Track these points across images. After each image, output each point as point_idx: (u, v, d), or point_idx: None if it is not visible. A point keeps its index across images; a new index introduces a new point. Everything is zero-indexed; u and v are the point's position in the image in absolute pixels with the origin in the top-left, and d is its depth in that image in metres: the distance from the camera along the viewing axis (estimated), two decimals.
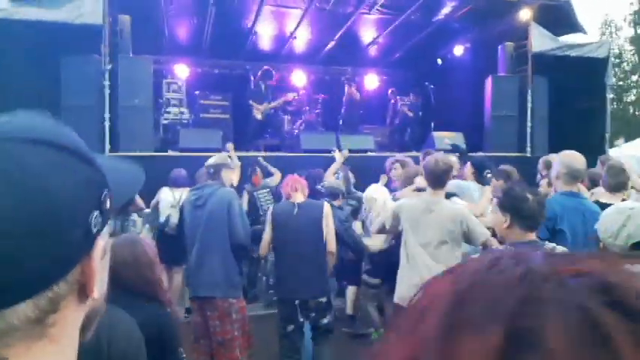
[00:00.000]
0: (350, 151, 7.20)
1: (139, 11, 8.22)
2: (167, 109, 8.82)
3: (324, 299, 3.98)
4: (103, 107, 7.32)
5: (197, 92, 9.86)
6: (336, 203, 4.63)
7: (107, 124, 7.29)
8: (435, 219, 3.39)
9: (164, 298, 2.26)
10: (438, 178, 3.48)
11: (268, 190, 6.21)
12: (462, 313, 0.35)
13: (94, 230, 0.57)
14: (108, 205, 0.60)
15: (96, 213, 0.57)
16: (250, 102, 9.26)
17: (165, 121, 8.67)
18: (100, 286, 0.59)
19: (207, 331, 3.89)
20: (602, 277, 0.35)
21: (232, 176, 4.46)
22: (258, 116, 9.26)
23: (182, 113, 8.76)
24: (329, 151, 8.31)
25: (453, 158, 5.21)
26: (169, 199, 5.76)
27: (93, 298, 0.59)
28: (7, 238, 0.49)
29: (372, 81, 12.44)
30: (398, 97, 11.38)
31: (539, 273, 0.36)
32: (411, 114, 10.95)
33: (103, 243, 0.60)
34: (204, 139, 7.97)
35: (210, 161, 4.20)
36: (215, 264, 3.88)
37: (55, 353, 0.55)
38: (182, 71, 10.38)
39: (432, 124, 10.81)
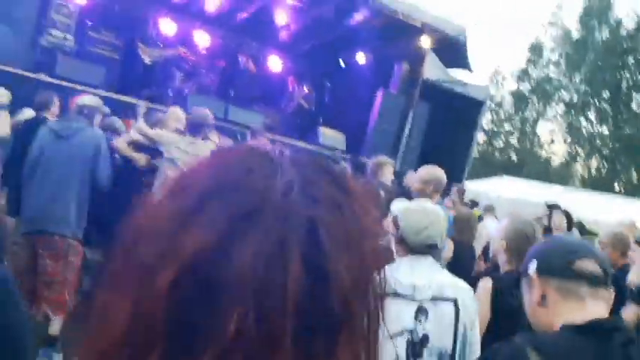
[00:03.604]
0: (234, 123, 7.25)
1: None
2: (50, 31, 8.13)
3: None
4: None
5: (89, 23, 9.22)
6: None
7: None
8: None
9: None
10: None
11: None
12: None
13: None
14: None
15: None
16: (138, 43, 8.93)
17: (45, 43, 8.00)
18: None
19: (33, 269, 3.66)
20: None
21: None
22: (147, 60, 8.94)
23: (66, 39, 8.13)
24: (215, 119, 8.23)
25: None
26: None
27: None
28: None
29: (275, 63, 12.50)
30: (297, 86, 11.60)
31: None
32: (306, 105, 11.23)
33: None
34: (85, 72, 7.52)
35: (85, 101, 4.00)
36: (70, 201, 3.70)
37: None
38: None
39: (321, 119, 11.20)
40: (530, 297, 1.50)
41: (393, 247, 2.02)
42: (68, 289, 3.70)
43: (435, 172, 4.01)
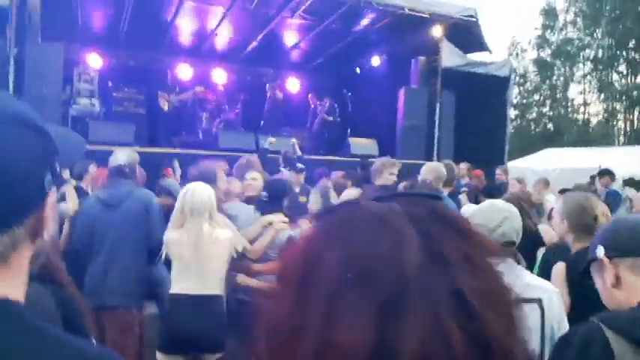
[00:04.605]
0: (265, 152, 7.31)
1: None
2: (77, 100, 8.46)
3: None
4: None
5: (110, 84, 9.54)
6: None
7: None
8: None
9: (65, 280, 2.21)
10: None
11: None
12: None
13: (47, 188, 0.73)
14: (57, 168, 0.77)
15: (49, 175, 0.73)
16: (159, 92, 9.18)
17: (74, 112, 8.32)
18: (48, 231, 0.76)
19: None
20: None
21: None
22: (165, 107, 9.19)
23: (93, 105, 8.43)
24: (247, 151, 8.35)
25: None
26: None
27: (42, 240, 0.75)
28: None
29: (293, 84, 12.63)
30: (318, 101, 11.65)
31: None
32: (330, 119, 11.26)
33: (53, 198, 0.76)
34: (116, 133, 7.75)
35: (122, 159, 3.76)
36: (127, 270, 3.56)
37: (14, 280, 0.72)
38: (95, 61, 9.96)
39: (349, 130, 11.20)
40: (603, 282, 1.47)
41: None
42: None
43: (434, 167, 4.13)
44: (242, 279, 3.49)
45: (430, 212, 0.49)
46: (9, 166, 0.68)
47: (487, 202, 2.29)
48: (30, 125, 0.73)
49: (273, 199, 3.72)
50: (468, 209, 2.23)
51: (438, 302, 0.42)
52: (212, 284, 3.15)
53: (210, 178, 3.66)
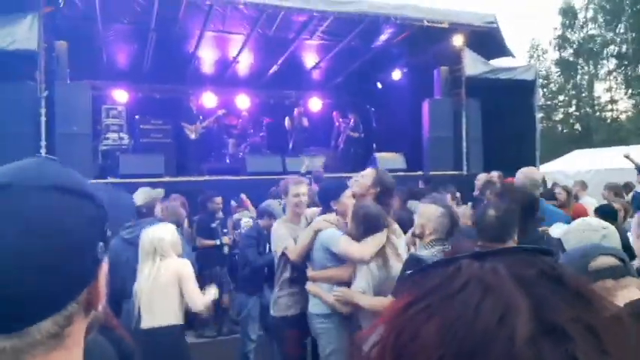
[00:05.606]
0: (294, 174, 7.30)
1: (76, 37, 8.07)
2: (106, 135, 8.64)
3: None
4: (39, 135, 7.10)
5: (137, 117, 9.73)
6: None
7: (43, 151, 7.07)
8: None
9: (114, 324, 2.23)
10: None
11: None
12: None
13: (100, 258, 0.68)
14: (109, 234, 0.71)
15: (101, 244, 0.68)
16: (182, 123, 9.33)
17: (104, 147, 8.48)
18: (102, 303, 0.72)
19: None
20: None
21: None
22: (192, 136, 9.30)
23: (121, 139, 8.60)
24: (275, 174, 8.38)
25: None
26: None
27: (96, 311, 0.71)
28: (30, 271, 0.60)
29: (315, 104, 12.69)
30: (341, 119, 11.65)
31: None
32: (355, 135, 11.24)
33: (106, 267, 0.72)
34: (146, 164, 7.85)
35: (139, 200, 3.85)
36: None
37: (68, 358, 0.67)
38: (121, 96, 10.20)
39: (374, 146, 11.13)
40: None
41: None
42: None
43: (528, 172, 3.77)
44: (312, 288, 3.54)
45: (541, 273, 0.43)
46: (63, 242, 0.63)
47: (578, 223, 2.08)
48: (82, 194, 0.69)
49: (322, 203, 3.86)
50: (557, 230, 2.05)
51: None
52: (167, 315, 3.34)
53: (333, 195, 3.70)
